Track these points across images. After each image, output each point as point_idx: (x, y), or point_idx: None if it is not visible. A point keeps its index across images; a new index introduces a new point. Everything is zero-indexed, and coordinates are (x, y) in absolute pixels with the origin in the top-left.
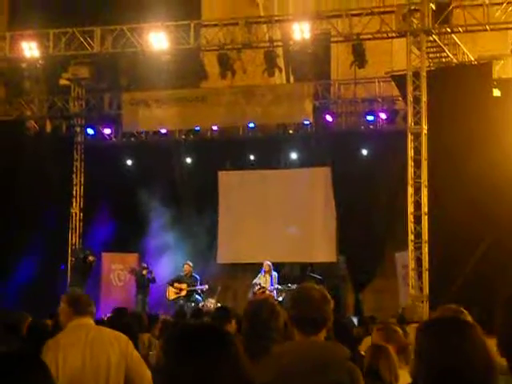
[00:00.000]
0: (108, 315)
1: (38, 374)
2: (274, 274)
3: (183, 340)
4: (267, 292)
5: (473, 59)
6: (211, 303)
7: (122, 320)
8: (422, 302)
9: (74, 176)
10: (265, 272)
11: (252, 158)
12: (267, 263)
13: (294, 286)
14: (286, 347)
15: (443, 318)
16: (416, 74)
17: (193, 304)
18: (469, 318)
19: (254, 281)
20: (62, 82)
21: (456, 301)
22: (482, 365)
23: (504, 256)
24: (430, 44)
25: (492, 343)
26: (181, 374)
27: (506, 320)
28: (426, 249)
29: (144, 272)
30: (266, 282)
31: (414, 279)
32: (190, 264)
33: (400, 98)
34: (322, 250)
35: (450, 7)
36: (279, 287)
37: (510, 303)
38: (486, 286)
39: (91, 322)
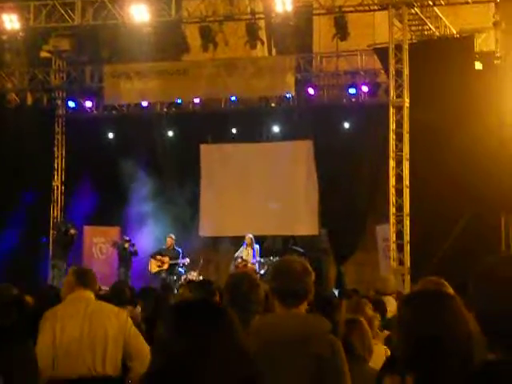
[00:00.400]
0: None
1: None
2: (256, 246)
3: (179, 312)
4: (249, 265)
5: (455, 32)
6: (193, 276)
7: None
8: (403, 274)
9: (55, 149)
10: (247, 245)
11: (234, 131)
12: (249, 236)
13: (276, 259)
14: (267, 319)
15: (425, 290)
16: (398, 47)
17: (175, 277)
18: (450, 291)
19: (236, 254)
20: (43, 54)
21: (437, 273)
22: (461, 335)
23: (485, 229)
24: (411, 17)
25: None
26: (176, 344)
27: (477, 294)
28: (407, 222)
29: (126, 245)
30: (247, 255)
31: (395, 252)
32: (173, 237)
33: (382, 71)
34: (304, 223)
35: None
36: (261, 260)
37: (481, 277)
38: (467, 259)
39: (92, 295)
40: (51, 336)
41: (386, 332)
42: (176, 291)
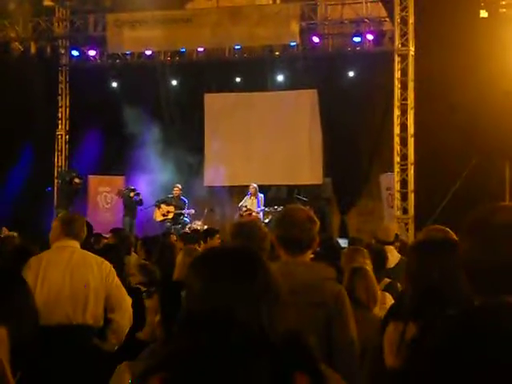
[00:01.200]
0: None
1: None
2: (260, 195)
3: (217, 258)
4: (254, 214)
5: None
6: (198, 225)
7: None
8: (407, 223)
9: (59, 98)
10: (251, 194)
11: (238, 79)
12: (253, 185)
13: (280, 208)
14: (273, 268)
15: (431, 238)
16: None
17: (180, 226)
18: (453, 236)
19: (241, 203)
20: (46, 3)
21: (441, 222)
22: (464, 284)
23: (489, 178)
24: None
25: None
26: (216, 288)
27: (469, 241)
28: (411, 171)
29: (131, 194)
30: (252, 204)
31: (399, 201)
32: (179, 187)
33: (387, 19)
34: (308, 172)
35: None
36: (265, 209)
37: (475, 224)
38: (471, 208)
39: (77, 245)
40: (33, 283)
41: (387, 280)
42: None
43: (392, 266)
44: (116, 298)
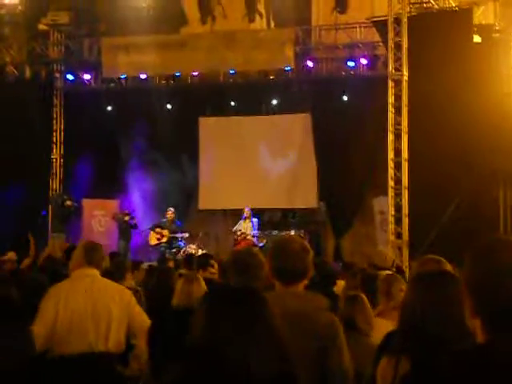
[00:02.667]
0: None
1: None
2: (255, 220)
3: (224, 298)
4: (248, 238)
5: (454, 5)
6: (193, 249)
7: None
8: (400, 248)
9: (53, 122)
10: (245, 218)
11: (233, 104)
12: (247, 209)
13: (275, 232)
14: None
15: (430, 272)
16: (397, 20)
17: (174, 250)
18: (448, 267)
19: (235, 227)
20: (41, 27)
21: (435, 247)
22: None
23: (483, 202)
24: None
25: None
26: (221, 328)
27: (472, 270)
28: (405, 195)
29: (126, 218)
30: (246, 227)
31: (394, 225)
32: (173, 210)
33: (381, 44)
34: (303, 195)
35: None
36: (260, 233)
37: (476, 255)
38: (466, 233)
39: (97, 273)
40: (54, 312)
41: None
42: (174, 264)
43: None
44: (138, 324)
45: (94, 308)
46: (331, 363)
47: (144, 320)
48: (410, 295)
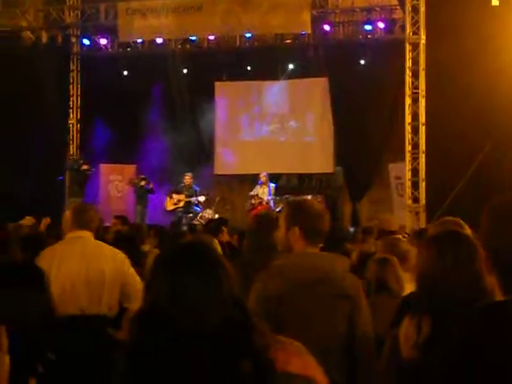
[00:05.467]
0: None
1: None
2: (272, 185)
3: (168, 257)
4: (264, 203)
5: None
6: (209, 214)
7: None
8: (418, 212)
9: (70, 87)
10: (262, 183)
11: (249, 68)
12: (264, 174)
13: (292, 198)
14: (291, 259)
15: (445, 233)
16: None
17: (191, 215)
18: (467, 231)
19: (251, 192)
20: None
21: (451, 211)
22: (480, 282)
23: (500, 167)
24: None
25: None
26: (159, 286)
27: (490, 228)
28: (422, 159)
29: (142, 183)
30: (263, 193)
31: (411, 190)
32: (190, 175)
33: (398, 7)
34: (319, 161)
35: None
36: (276, 198)
37: (494, 212)
38: (482, 197)
39: (90, 235)
40: (47, 275)
41: None
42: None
43: None
44: (132, 287)
45: (87, 271)
46: (359, 327)
47: (138, 282)
48: (425, 255)
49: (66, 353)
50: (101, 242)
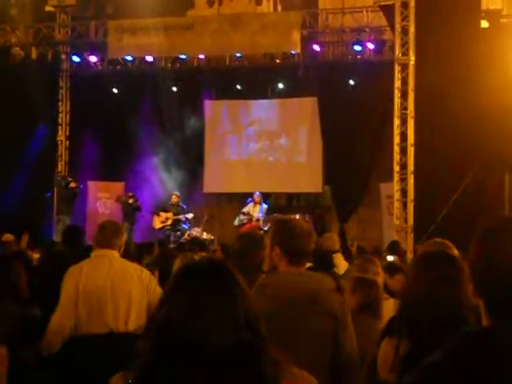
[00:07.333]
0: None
1: None
2: (264, 206)
3: (187, 274)
4: (253, 221)
5: None
6: (197, 232)
7: None
8: (406, 232)
9: (59, 103)
10: (255, 202)
11: (239, 87)
12: (257, 194)
13: (279, 216)
14: (274, 278)
15: (434, 252)
16: (404, 4)
17: (178, 233)
18: (455, 252)
19: (243, 210)
20: (48, 8)
21: (440, 232)
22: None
23: (488, 188)
24: None
25: None
26: (177, 301)
27: (478, 253)
28: (411, 180)
29: (130, 200)
30: (254, 211)
31: (399, 210)
32: (178, 194)
33: (388, 28)
34: (308, 180)
35: None
36: (265, 217)
37: (483, 236)
38: (470, 218)
39: (116, 254)
40: (74, 292)
41: None
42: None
43: (342, 272)
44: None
45: (113, 289)
46: (345, 345)
47: None
48: (412, 273)
49: (93, 370)
50: (126, 261)
